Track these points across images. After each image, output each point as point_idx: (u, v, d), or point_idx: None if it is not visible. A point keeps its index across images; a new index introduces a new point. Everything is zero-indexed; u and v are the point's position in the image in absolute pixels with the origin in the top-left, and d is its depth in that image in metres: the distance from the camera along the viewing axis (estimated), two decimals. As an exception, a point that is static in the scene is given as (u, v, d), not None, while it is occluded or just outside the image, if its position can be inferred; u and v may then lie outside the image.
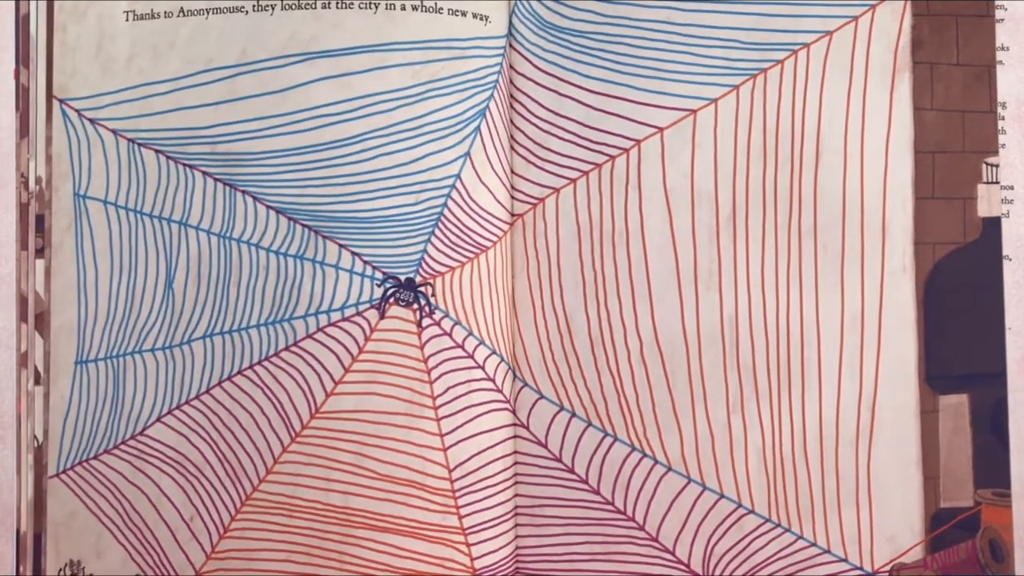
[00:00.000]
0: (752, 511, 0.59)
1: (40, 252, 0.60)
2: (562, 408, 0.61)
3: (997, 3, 0.60)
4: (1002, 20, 0.60)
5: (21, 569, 0.60)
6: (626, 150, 0.60)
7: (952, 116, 0.59)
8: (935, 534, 0.58)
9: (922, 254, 0.59)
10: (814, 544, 0.59)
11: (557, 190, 0.60)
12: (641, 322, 0.60)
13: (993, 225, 0.59)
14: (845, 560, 0.59)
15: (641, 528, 0.60)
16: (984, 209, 0.59)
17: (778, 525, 0.59)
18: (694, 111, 0.59)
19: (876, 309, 0.58)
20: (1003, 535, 0.58)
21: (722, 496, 0.59)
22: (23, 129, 0.59)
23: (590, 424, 0.61)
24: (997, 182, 0.59)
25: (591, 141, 0.60)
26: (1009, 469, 0.59)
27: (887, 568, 0.59)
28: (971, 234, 0.59)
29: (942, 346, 0.59)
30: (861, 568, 0.59)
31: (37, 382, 0.60)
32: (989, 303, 0.59)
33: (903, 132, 0.59)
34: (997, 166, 0.59)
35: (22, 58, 0.59)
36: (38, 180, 0.59)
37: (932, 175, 0.59)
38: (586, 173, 0.60)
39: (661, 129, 0.59)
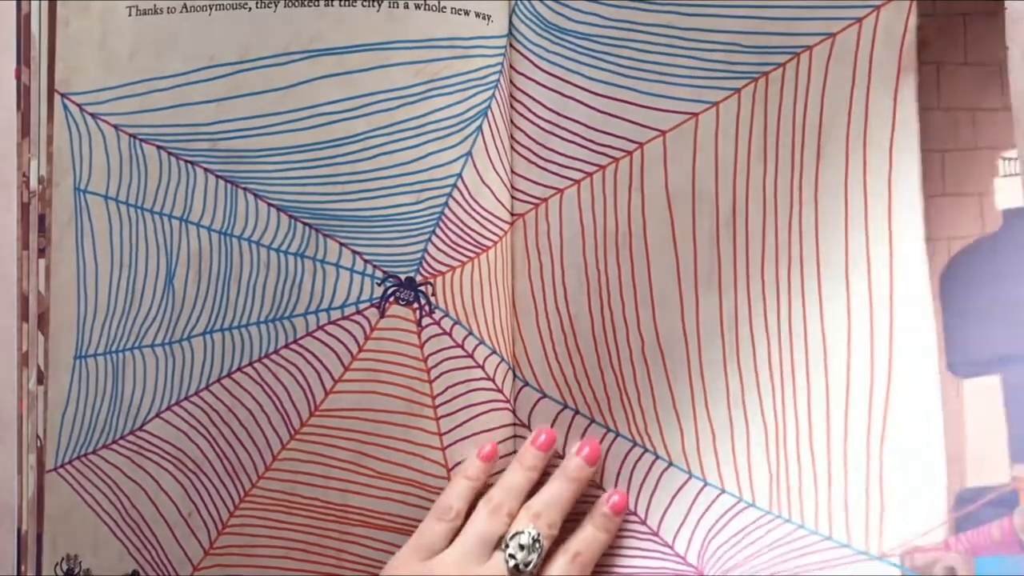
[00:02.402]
0: (753, 505, 0.58)
1: (42, 252, 0.59)
2: (565, 406, 0.60)
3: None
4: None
5: (23, 568, 0.59)
6: (629, 152, 0.59)
7: (961, 115, 0.58)
8: (964, 512, 0.56)
9: (935, 249, 0.58)
10: (815, 532, 0.58)
11: (560, 191, 0.60)
12: (643, 321, 0.59)
13: (1017, 216, 0.58)
14: (849, 546, 0.57)
15: (643, 523, 0.60)
16: (1005, 201, 0.58)
17: (778, 516, 0.58)
18: (695, 114, 0.59)
19: (887, 303, 0.58)
20: (1043, 511, 0.57)
21: (723, 491, 0.59)
22: (24, 128, 0.60)
23: (593, 421, 0.60)
24: (1018, 174, 0.58)
25: (594, 143, 0.60)
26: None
27: (898, 551, 0.57)
28: (991, 226, 0.58)
29: (964, 334, 0.57)
30: (867, 553, 0.57)
31: (40, 382, 0.60)
32: (1015, 288, 0.57)
33: (908, 132, 0.58)
34: (1016, 159, 0.58)
35: (23, 57, 0.60)
36: (40, 179, 0.59)
37: (942, 173, 0.58)
38: (590, 175, 0.60)
39: (663, 132, 0.59)
